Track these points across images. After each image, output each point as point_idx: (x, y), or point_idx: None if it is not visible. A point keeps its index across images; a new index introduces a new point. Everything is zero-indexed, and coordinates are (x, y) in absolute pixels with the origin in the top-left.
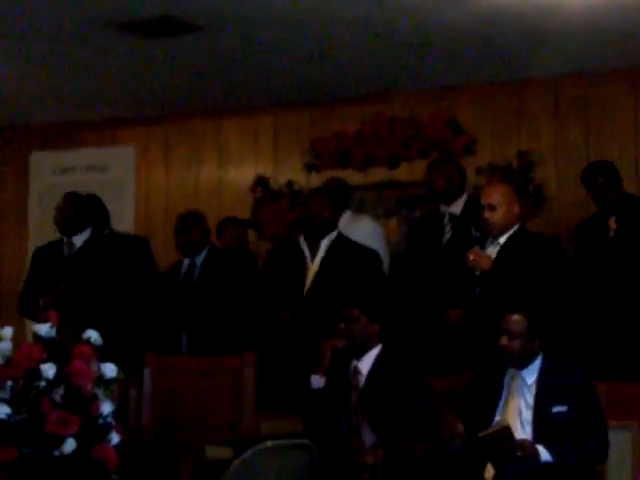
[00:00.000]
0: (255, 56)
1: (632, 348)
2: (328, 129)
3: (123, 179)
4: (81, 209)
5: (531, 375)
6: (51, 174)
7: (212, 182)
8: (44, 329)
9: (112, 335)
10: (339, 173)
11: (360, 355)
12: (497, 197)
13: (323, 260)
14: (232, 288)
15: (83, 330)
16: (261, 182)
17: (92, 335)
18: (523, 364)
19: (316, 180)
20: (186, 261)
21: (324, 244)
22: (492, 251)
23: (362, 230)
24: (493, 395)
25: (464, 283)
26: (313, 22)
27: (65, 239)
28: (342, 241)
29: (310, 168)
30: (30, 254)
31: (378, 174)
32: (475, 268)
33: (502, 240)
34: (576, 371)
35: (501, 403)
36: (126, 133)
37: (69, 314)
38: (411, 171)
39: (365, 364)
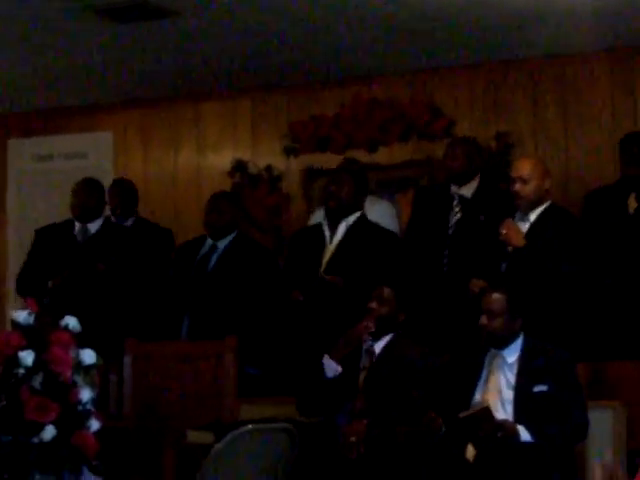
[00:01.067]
0: (232, 40)
1: (622, 327)
2: (307, 113)
3: (101, 165)
4: (100, 196)
5: (512, 354)
6: (29, 161)
7: (190, 167)
8: (22, 316)
9: (93, 321)
10: (318, 157)
11: (376, 337)
12: (529, 170)
13: (341, 241)
14: (249, 283)
15: (61, 317)
16: (240, 167)
17: (70, 322)
18: (503, 343)
19: (295, 164)
20: (208, 241)
21: (343, 226)
22: (522, 227)
23: (379, 213)
24: (473, 374)
25: (490, 257)
26: (291, 6)
27: (78, 225)
28: (363, 223)
29: (289, 152)
30: (9, 240)
31: (357, 157)
32: (506, 242)
33: (532, 217)
34: (557, 350)
35: (481, 382)
36: (104, 119)
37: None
38: (391, 154)
39: (378, 346)
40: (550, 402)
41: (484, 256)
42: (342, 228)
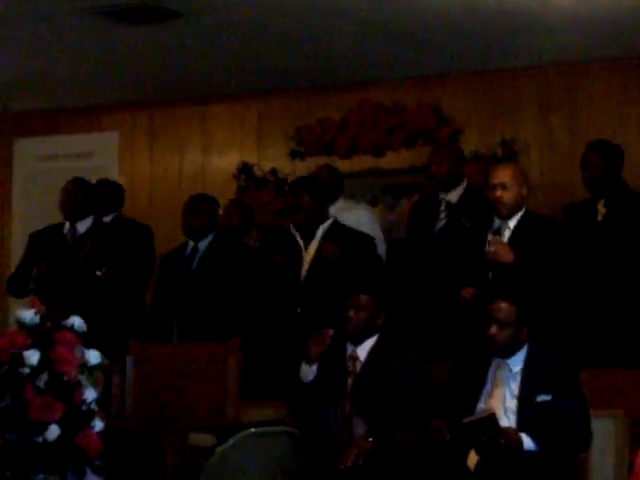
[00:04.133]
0: (239, 43)
1: (618, 335)
2: (313, 116)
3: (107, 165)
4: (89, 195)
5: (517, 364)
6: (35, 161)
7: (196, 169)
8: (28, 315)
9: (96, 321)
10: (323, 161)
11: (358, 342)
12: (510, 176)
13: (318, 248)
14: (231, 279)
15: (67, 316)
16: (245, 169)
17: (76, 321)
18: (510, 353)
19: (301, 167)
20: (190, 244)
21: (319, 233)
22: (503, 235)
23: (357, 218)
24: (477, 383)
25: (476, 266)
26: (297, 9)
27: (68, 225)
28: (337, 228)
29: (294, 155)
30: (14, 240)
31: (362, 162)
32: (495, 260)
33: (512, 224)
34: (561, 360)
35: (485, 391)
36: (110, 119)
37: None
38: (395, 159)
39: (362, 351)
40: (553, 412)
41: (470, 264)
42: (318, 235)
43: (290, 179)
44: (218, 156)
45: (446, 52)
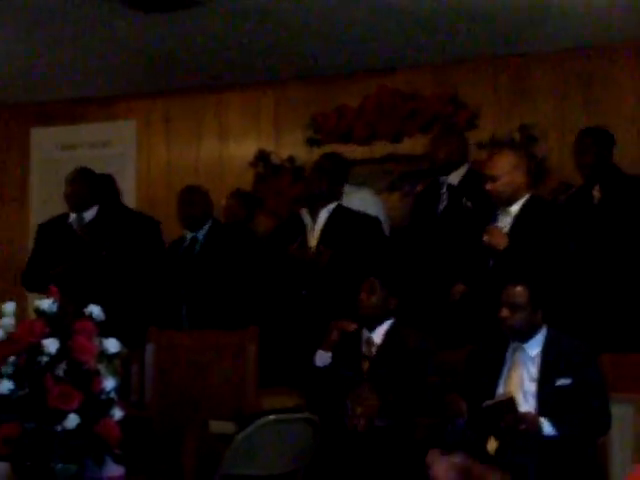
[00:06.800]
0: (256, 30)
1: (634, 319)
2: (330, 104)
3: (125, 154)
4: (93, 185)
5: (534, 347)
6: (53, 150)
7: (213, 157)
8: (46, 304)
9: (115, 310)
10: (341, 148)
11: (372, 327)
12: (497, 168)
13: (323, 231)
14: (233, 262)
15: (85, 305)
16: (262, 157)
17: (94, 310)
18: (526, 336)
19: (318, 155)
20: (189, 235)
21: (323, 215)
22: (505, 221)
23: (361, 202)
24: (495, 368)
25: (476, 253)
26: None
27: (74, 215)
28: (341, 211)
29: (312, 143)
30: (32, 230)
31: (380, 149)
32: (491, 247)
33: (514, 210)
34: (579, 343)
35: (503, 376)
36: (127, 108)
37: (73, 289)
38: (414, 145)
39: (377, 335)
40: (573, 395)
41: (470, 252)
42: (323, 215)
43: (307, 166)
44: (235, 144)
45: (463, 38)
